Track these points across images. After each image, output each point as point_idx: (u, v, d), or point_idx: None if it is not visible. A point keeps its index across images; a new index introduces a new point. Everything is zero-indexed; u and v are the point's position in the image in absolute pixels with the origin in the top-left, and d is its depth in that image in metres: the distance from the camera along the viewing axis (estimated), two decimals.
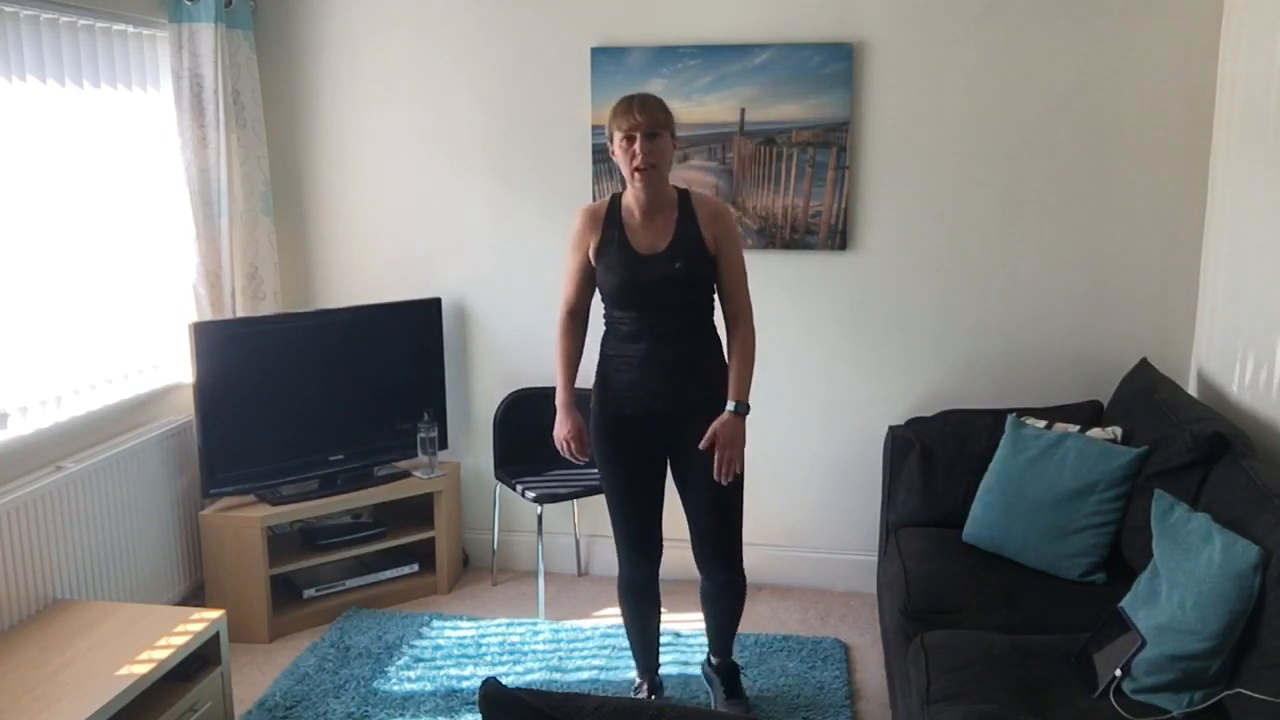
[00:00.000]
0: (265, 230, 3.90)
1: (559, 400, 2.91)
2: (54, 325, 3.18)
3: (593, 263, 2.81)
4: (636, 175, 2.66)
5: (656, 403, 2.78)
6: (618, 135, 2.67)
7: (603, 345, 2.86)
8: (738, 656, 3.26)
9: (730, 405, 2.75)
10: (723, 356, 2.86)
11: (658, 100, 2.70)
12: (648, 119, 2.63)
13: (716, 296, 2.84)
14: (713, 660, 3.13)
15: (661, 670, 3.28)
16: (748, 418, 2.78)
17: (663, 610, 3.15)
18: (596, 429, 2.89)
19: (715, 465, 2.73)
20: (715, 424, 2.73)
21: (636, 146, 2.64)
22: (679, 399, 2.78)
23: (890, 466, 3.47)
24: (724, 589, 2.97)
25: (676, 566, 3.71)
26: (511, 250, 3.96)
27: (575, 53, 3.77)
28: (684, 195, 2.79)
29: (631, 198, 2.76)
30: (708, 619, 3.06)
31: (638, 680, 3.17)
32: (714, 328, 2.86)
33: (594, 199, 3.82)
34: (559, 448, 2.94)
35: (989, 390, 3.71)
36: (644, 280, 2.72)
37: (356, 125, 3.98)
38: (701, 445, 2.73)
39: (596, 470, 3.57)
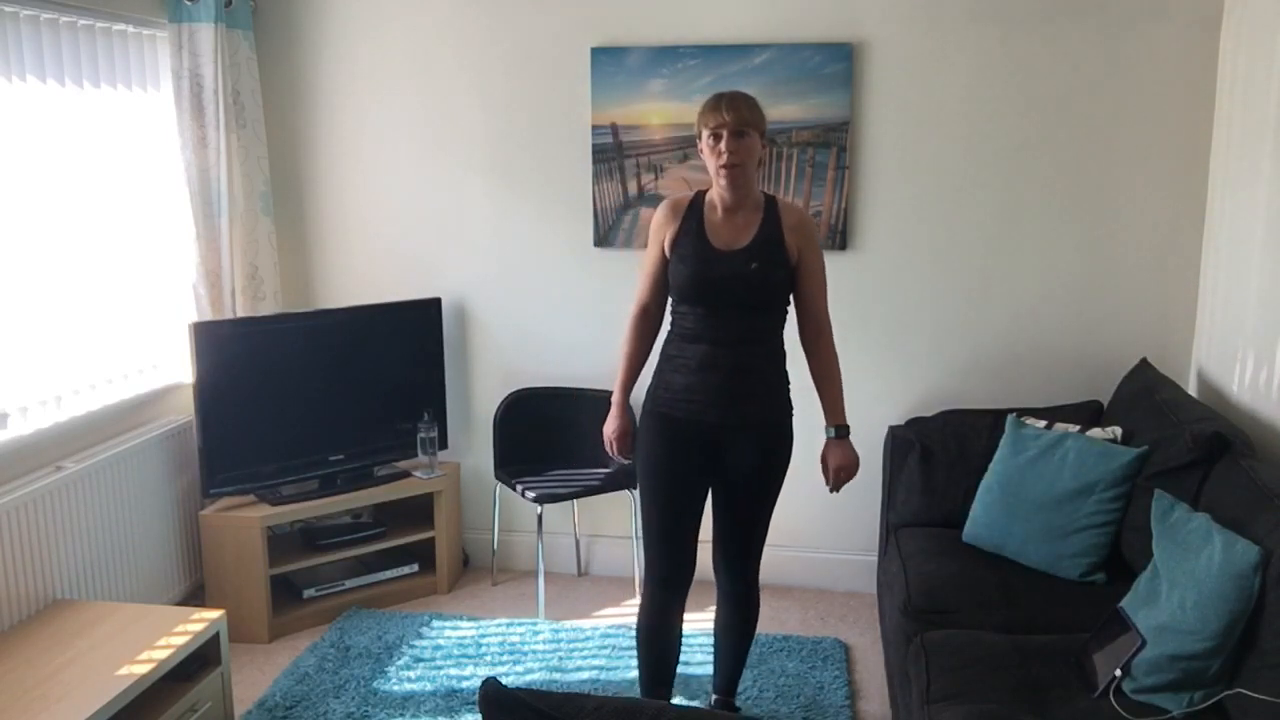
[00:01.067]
0: (265, 230, 3.90)
1: (614, 398, 2.86)
2: (54, 325, 3.18)
3: (667, 254, 2.71)
4: (722, 173, 2.59)
5: (709, 411, 2.67)
6: (705, 132, 2.60)
7: (665, 345, 2.78)
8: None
9: (831, 431, 2.76)
10: (784, 372, 2.75)
11: (748, 99, 2.61)
12: (735, 117, 2.55)
13: (793, 310, 2.75)
14: (713, 700, 3.04)
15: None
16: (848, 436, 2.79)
17: None
18: (644, 429, 2.78)
19: (833, 486, 2.77)
20: (826, 454, 2.77)
21: (723, 145, 2.56)
22: (731, 410, 2.67)
23: (890, 466, 3.47)
24: (739, 600, 2.88)
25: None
26: (511, 250, 3.96)
27: (575, 53, 3.77)
28: (770, 200, 2.71)
29: (715, 194, 2.68)
30: (719, 649, 2.97)
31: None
32: (780, 341, 2.74)
33: (594, 199, 3.82)
34: (606, 444, 2.89)
35: (989, 390, 3.71)
36: (715, 275, 2.62)
37: (356, 125, 3.98)
38: (828, 481, 2.77)
39: (603, 471, 3.55)
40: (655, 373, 2.78)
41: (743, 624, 2.90)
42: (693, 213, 2.69)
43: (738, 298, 2.63)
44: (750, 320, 2.66)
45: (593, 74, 3.74)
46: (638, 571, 3.93)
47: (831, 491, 2.79)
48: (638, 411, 2.82)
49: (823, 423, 2.79)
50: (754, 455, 2.70)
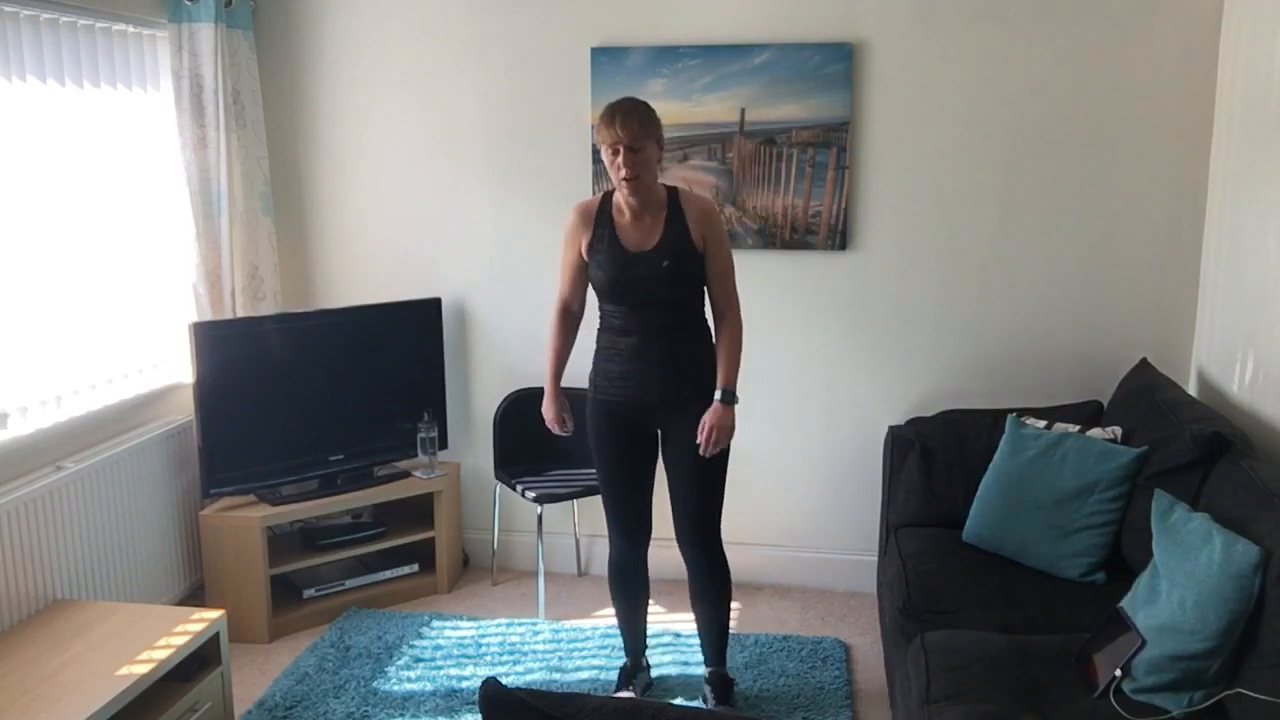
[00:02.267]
0: (265, 230, 3.90)
1: (547, 386, 3.10)
2: (54, 325, 3.18)
3: (585, 259, 2.91)
4: (624, 185, 2.76)
5: (648, 394, 2.90)
6: (603, 146, 2.75)
7: (597, 338, 2.99)
8: (738, 656, 3.30)
9: (718, 394, 2.85)
10: (712, 349, 2.93)
11: (641, 112, 2.74)
12: (629, 135, 2.69)
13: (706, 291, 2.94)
14: (707, 674, 3.13)
15: (662, 670, 3.30)
16: (738, 409, 2.89)
17: (663, 609, 3.19)
18: (591, 417, 3.01)
19: (702, 444, 2.83)
20: (705, 414, 2.84)
21: (620, 160, 2.72)
22: (668, 390, 2.89)
23: (890, 466, 3.47)
24: (705, 572, 3.03)
25: (678, 568, 3.72)
26: (511, 250, 3.96)
27: (575, 53, 3.77)
28: (673, 194, 2.87)
29: (621, 199, 2.84)
30: (699, 620, 3.11)
31: (627, 662, 3.23)
32: (704, 321, 2.95)
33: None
34: (548, 424, 3.13)
35: (989, 390, 3.71)
36: (633, 277, 2.82)
37: (356, 125, 3.98)
38: (700, 440, 2.84)
39: (594, 468, 3.63)
40: (593, 362, 3.00)
41: (713, 592, 3.05)
42: (603, 218, 2.87)
43: (656, 294, 2.84)
44: (672, 310, 2.87)
45: (593, 74, 3.74)
46: None
47: (701, 453, 2.86)
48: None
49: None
50: (692, 428, 2.86)
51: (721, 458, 2.92)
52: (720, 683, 3.10)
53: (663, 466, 3.03)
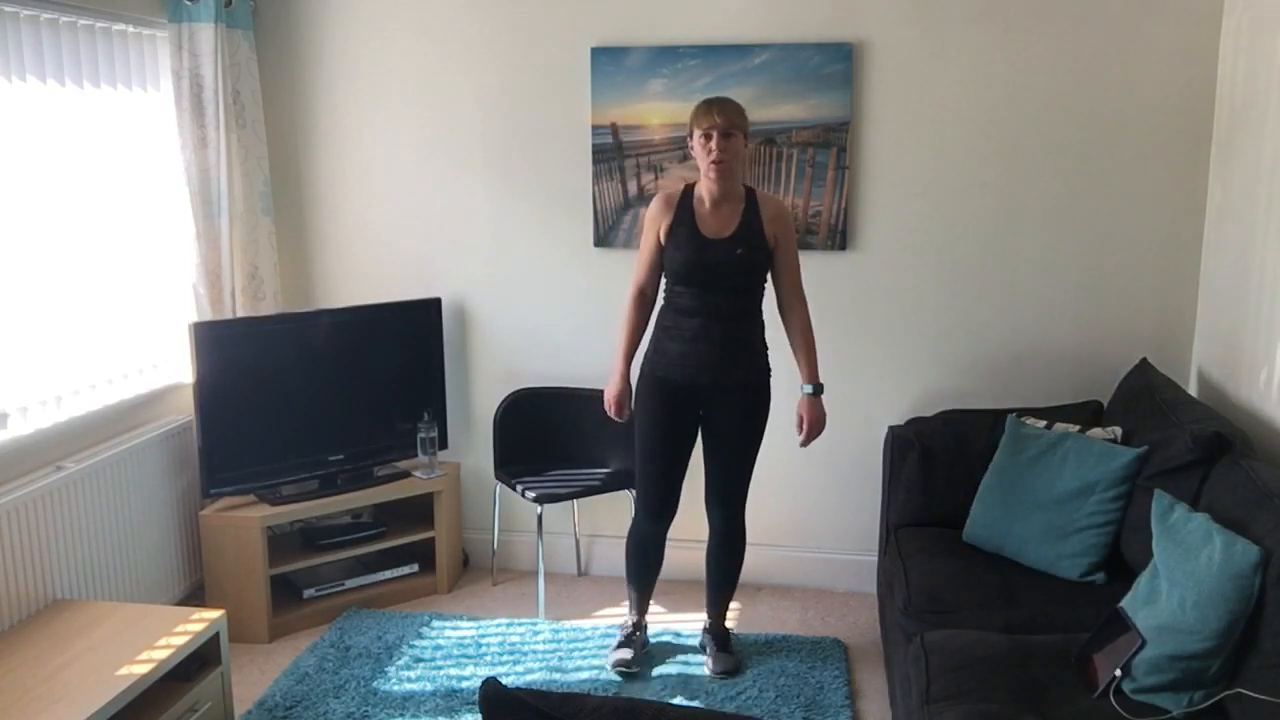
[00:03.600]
0: (265, 230, 3.90)
1: (617, 366, 3.24)
2: (54, 325, 3.18)
3: (663, 242, 3.11)
4: (712, 168, 2.99)
5: (702, 375, 3.09)
6: (697, 132, 2.99)
7: (659, 317, 3.19)
8: (737, 652, 3.38)
9: (809, 389, 3.16)
10: (764, 340, 3.18)
11: (736, 104, 3.01)
12: (725, 120, 2.95)
13: (771, 285, 3.16)
14: (707, 625, 3.42)
15: (661, 670, 3.31)
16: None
17: (663, 609, 3.25)
18: (643, 390, 3.18)
19: (804, 440, 3.17)
20: (801, 408, 3.16)
21: (713, 144, 2.96)
22: (722, 373, 3.09)
23: (890, 466, 3.47)
24: (727, 534, 3.29)
25: (679, 568, 3.72)
26: (511, 250, 3.96)
27: (575, 53, 3.77)
28: (750, 192, 3.11)
29: (704, 188, 3.07)
30: (710, 576, 3.37)
31: (630, 621, 3.43)
32: (760, 313, 3.16)
33: (594, 199, 3.82)
34: (606, 406, 3.26)
35: (989, 390, 3.71)
36: (708, 260, 3.03)
37: (356, 125, 3.98)
38: (800, 433, 3.16)
39: (603, 471, 3.68)
40: (652, 341, 3.19)
41: (729, 556, 3.34)
42: (684, 205, 3.09)
43: (726, 279, 3.05)
44: (736, 297, 3.08)
45: (593, 74, 3.74)
46: None
47: (802, 444, 3.19)
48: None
49: (791, 415, 3.19)
50: (740, 412, 3.14)
51: (759, 440, 3.20)
52: (719, 631, 3.39)
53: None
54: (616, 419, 3.26)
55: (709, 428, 3.19)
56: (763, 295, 3.15)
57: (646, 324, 3.22)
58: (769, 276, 3.14)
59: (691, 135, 3.02)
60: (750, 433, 3.18)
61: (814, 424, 3.15)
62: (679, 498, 3.25)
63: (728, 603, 3.41)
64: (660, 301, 3.20)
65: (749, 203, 3.07)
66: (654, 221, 3.12)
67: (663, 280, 3.18)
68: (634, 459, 3.26)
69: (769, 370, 3.18)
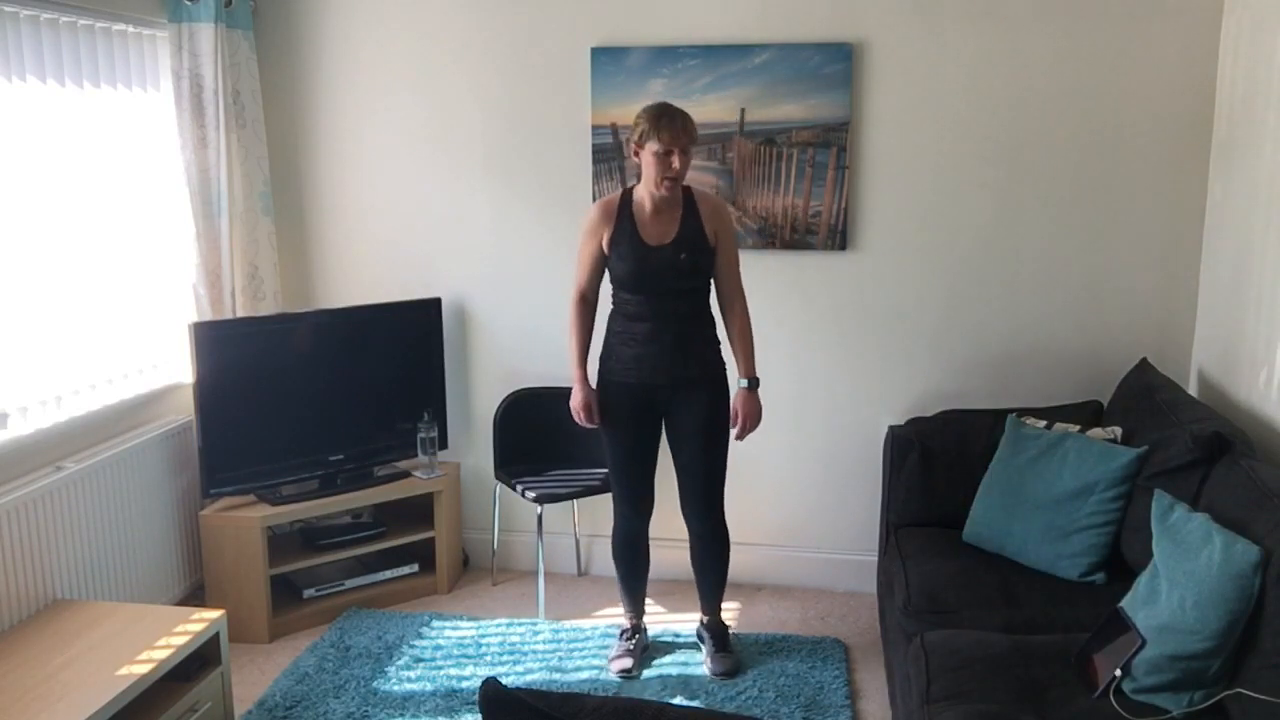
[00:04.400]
0: (265, 230, 3.90)
1: (574, 375, 3.21)
2: (54, 325, 3.18)
3: (605, 252, 3.11)
4: (666, 184, 2.98)
5: (657, 375, 3.12)
6: (656, 146, 2.94)
7: (610, 322, 3.21)
8: (736, 652, 3.38)
9: (744, 383, 3.17)
10: (715, 335, 3.21)
11: (691, 118, 2.99)
12: (688, 138, 2.95)
13: (713, 283, 3.17)
14: (704, 621, 3.41)
15: (661, 670, 3.31)
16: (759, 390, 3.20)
17: (664, 609, 3.27)
18: (603, 394, 3.20)
19: (738, 433, 3.18)
20: (736, 402, 3.17)
21: (674, 161, 2.94)
22: (676, 372, 3.12)
23: (890, 466, 3.47)
24: (709, 539, 3.29)
25: (677, 568, 3.71)
26: (511, 250, 3.96)
27: (575, 53, 3.77)
28: (687, 192, 3.11)
29: (645, 195, 3.07)
30: (698, 577, 3.37)
31: (627, 624, 3.45)
32: (709, 310, 3.19)
33: (594, 199, 3.82)
34: (574, 415, 3.23)
35: (989, 390, 3.71)
36: (652, 268, 3.05)
37: (356, 125, 3.98)
38: (734, 426, 3.16)
39: (603, 471, 3.71)
40: (604, 346, 3.21)
41: (714, 558, 3.33)
42: (624, 213, 3.09)
43: (671, 283, 3.08)
44: (684, 299, 3.11)
45: (593, 74, 3.74)
46: None
47: (737, 438, 3.21)
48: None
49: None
50: (700, 408, 3.15)
51: (726, 435, 3.20)
52: (716, 629, 3.39)
53: (666, 445, 3.24)
54: (588, 425, 3.23)
55: (673, 430, 3.21)
56: (709, 293, 3.17)
57: (592, 327, 3.22)
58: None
59: (640, 143, 2.97)
60: (714, 429, 3.17)
61: (749, 418, 3.17)
62: (653, 490, 3.29)
63: (720, 598, 3.41)
64: (609, 307, 3.20)
65: (687, 203, 3.08)
66: (594, 232, 3.11)
67: (605, 285, 3.19)
68: (607, 464, 3.30)
69: (724, 364, 3.20)
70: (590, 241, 3.13)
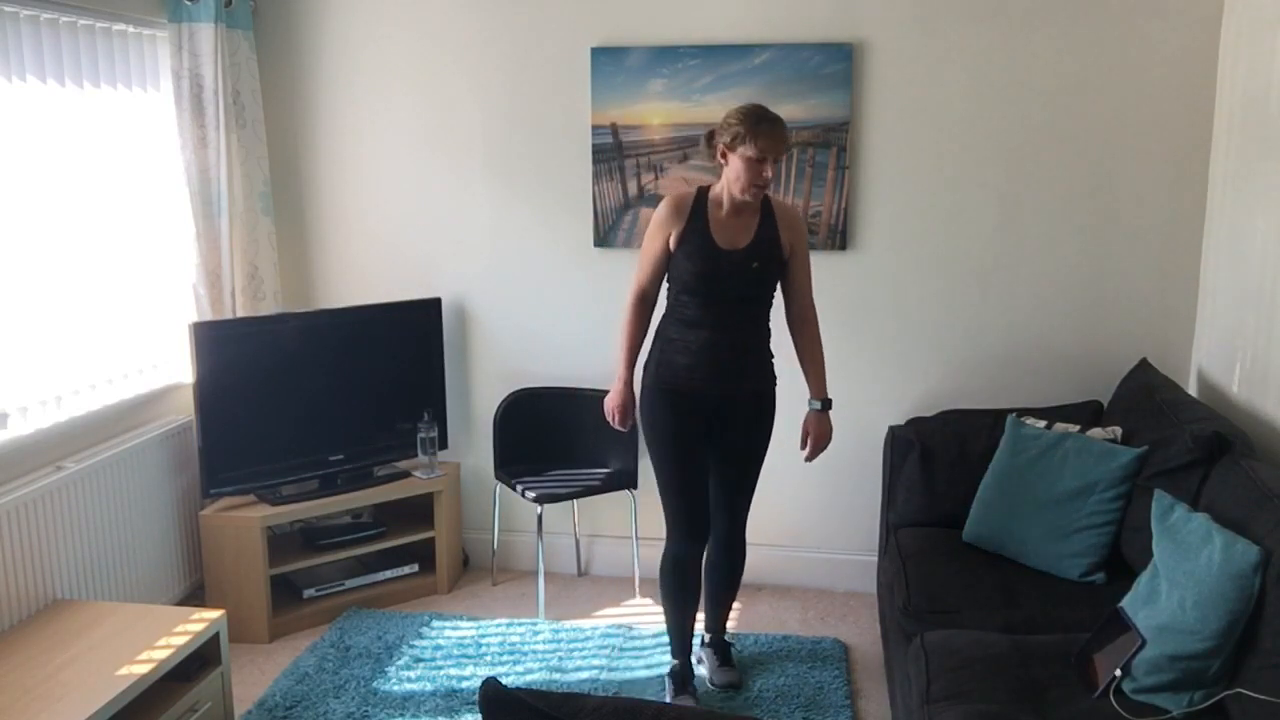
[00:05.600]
0: (265, 230, 3.90)
1: (619, 373, 3.08)
2: (54, 325, 3.18)
3: (671, 249, 2.94)
4: (752, 190, 2.82)
5: (711, 386, 2.96)
6: (750, 152, 2.76)
7: (663, 326, 3.03)
8: (738, 656, 3.37)
9: (817, 404, 3.07)
10: (769, 348, 3.05)
11: (785, 125, 2.83)
12: (785, 147, 2.82)
13: (781, 296, 3.05)
14: (706, 637, 3.34)
15: (661, 670, 3.29)
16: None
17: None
18: (651, 403, 3.01)
19: (808, 455, 3.08)
20: (808, 424, 3.07)
21: (767, 170, 2.78)
22: (730, 383, 2.97)
23: (890, 466, 3.47)
24: (730, 547, 3.16)
25: None
26: (511, 250, 3.96)
27: (575, 53, 3.77)
28: (766, 200, 2.94)
29: (725, 198, 2.89)
30: (709, 587, 3.24)
31: (673, 663, 3.17)
32: (768, 322, 3.04)
33: (594, 199, 3.82)
34: (607, 414, 3.13)
35: (989, 390, 3.71)
36: (720, 273, 2.88)
37: (356, 125, 3.98)
38: (804, 448, 3.07)
39: (603, 471, 3.66)
40: (657, 352, 3.01)
41: (730, 565, 3.21)
42: (697, 211, 2.91)
43: (738, 292, 2.92)
44: (747, 308, 2.96)
45: (593, 74, 3.74)
46: (638, 571, 3.93)
47: (807, 460, 3.10)
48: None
49: (791, 415, 3.12)
50: (748, 421, 3.02)
51: (765, 448, 3.09)
52: (722, 646, 3.31)
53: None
54: (619, 428, 3.13)
55: (716, 438, 3.04)
56: (771, 304, 3.02)
57: (647, 327, 3.08)
58: (779, 286, 3.02)
59: (731, 146, 2.79)
60: (758, 441, 3.07)
61: (820, 439, 3.06)
62: (709, 510, 3.09)
63: (728, 614, 3.32)
64: (662, 308, 3.04)
65: (764, 212, 2.92)
66: (663, 227, 2.92)
67: (665, 285, 3.03)
68: (657, 480, 3.04)
69: (775, 378, 3.08)
70: (658, 236, 2.93)
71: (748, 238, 2.89)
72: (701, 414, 2.99)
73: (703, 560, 3.13)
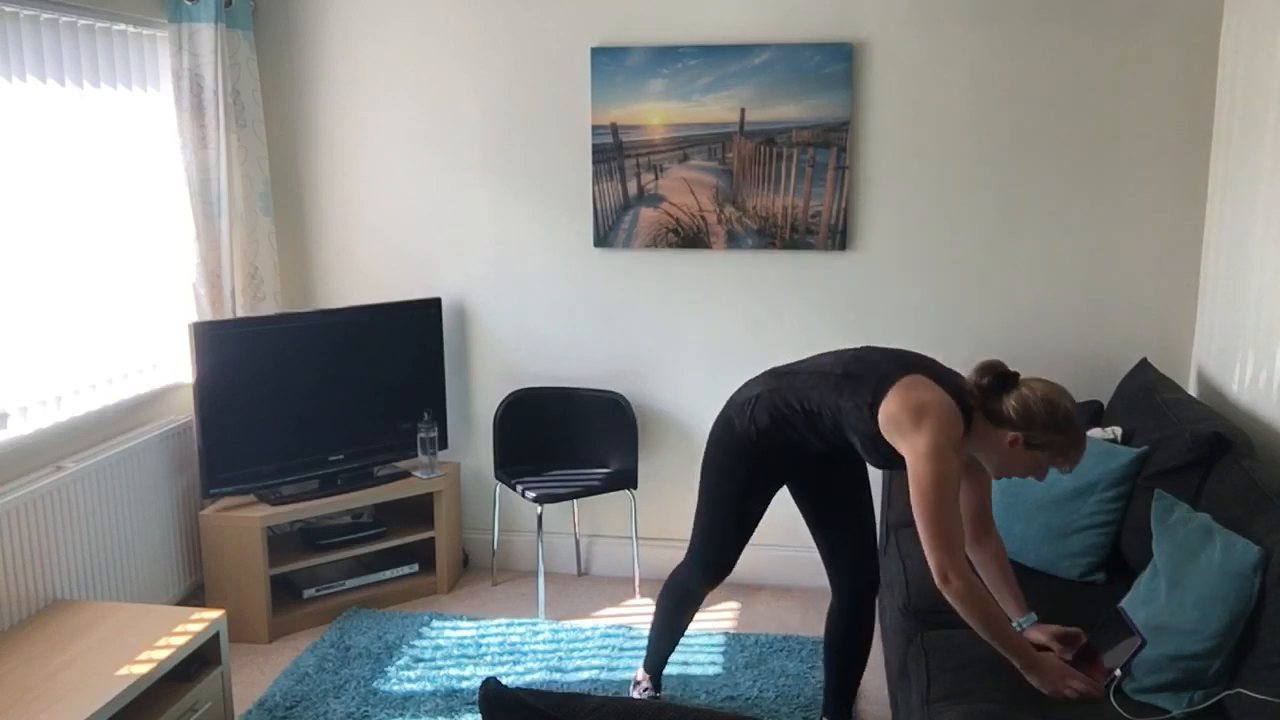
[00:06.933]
0: (265, 230, 3.90)
1: (1017, 651, 2.33)
2: (54, 325, 3.18)
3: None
4: (1032, 478, 2.46)
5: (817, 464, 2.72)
6: (1062, 465, 2.38)
7: (784, 411, 2.60)
8: (738, 656, 3.30)
9: (1022, 623, 2.52)
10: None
11: None
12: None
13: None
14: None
15: (664, 670, 3.28)
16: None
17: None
18: (737, 453, 2.68)
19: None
20: (1040, 635, 2.49)
21: (1065, 470, 2.41)
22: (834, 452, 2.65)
23: None
24: (867, 597, 2.84)
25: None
26: (511, 250, 3.96)
27: (575, 53, 3.77)
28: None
29: (978, 454, 2.48)
30: (835, 655, 2.88)
31: (643, 675, 3.09)
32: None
33: (594, 199, 3.82)
34: (1060, 691, 2.30)
35: None
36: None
37: (356, 125, 3.98)
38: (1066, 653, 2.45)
39: (603, 471, 3.60)
40: (770, 424, 2.61)
41: (865, 627, 2.86)
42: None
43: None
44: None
45: (593, 74, 3.74)
46: (638, 571, 3.93)
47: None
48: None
49: None
50: (851, 471, 2.76)
51: (868, 478, 2.80)
52: None
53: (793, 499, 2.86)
54: (1083, 691, 2.28)
55: (808, 490, 2.80)
56: None
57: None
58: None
59: (1040, 445, 2.33)
60: (863, 473, 2.78)
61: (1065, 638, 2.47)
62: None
63: (856, 689, 2.91)
64: (794, 407, 2.58)
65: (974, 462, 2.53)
66: (957, 451, 2.36)
67: (799, 404, 2.57)
68: (704, 514, 2.78)
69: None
70: (955, 459, 2.34)
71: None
72: (800, 479, 2.79)
73: (825, 624, 2.89)
